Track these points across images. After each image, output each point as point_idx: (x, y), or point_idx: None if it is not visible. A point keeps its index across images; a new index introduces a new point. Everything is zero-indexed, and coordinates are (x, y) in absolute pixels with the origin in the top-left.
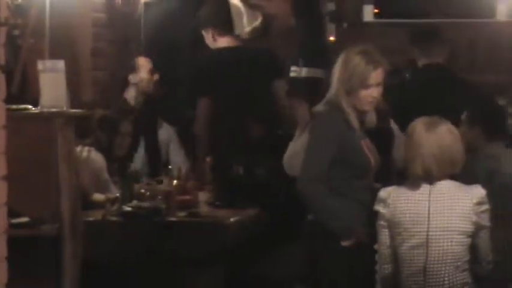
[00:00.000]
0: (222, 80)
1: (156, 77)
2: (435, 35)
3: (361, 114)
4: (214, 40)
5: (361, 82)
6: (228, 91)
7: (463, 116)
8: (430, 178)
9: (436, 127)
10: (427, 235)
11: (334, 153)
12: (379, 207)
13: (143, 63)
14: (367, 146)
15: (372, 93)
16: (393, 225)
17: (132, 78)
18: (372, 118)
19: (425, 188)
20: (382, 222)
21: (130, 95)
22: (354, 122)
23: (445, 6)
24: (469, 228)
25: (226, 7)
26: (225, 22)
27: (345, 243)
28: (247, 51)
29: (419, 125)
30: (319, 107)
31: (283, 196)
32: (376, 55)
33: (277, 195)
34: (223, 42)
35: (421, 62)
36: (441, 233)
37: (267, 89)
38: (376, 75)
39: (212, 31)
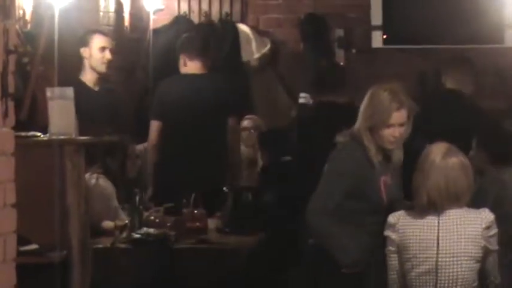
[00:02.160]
0: (171, 105)
1: (107, 55)
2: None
3: (387, 150)
4: (184, 65)
5: (383, 121)
6: (176, 117)
7: (473, 141)
8: (434, 208)
9: (447, 158)
10: (437, 261)
11: (348, 187)
12: (388, 233)
13: (96, 39)
14: (384, 183)
15: (393, 133)
16: (402, 251)
17: (83, 52)
18: (399, 155)
19: (434, 213)
20: (391, 248)
21: (86, 76)
22: (374, 157)
23: (453, 32)
24: (478, 252)
25: (203, 34)
26: (196, 48)
27: (346, 271)
28: (205, 80)
29: (432, 154)
30: (342, 138)
31: (292, 221)
32: (403, 95)
33: (286, 221)
34: (190, 68)
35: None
36: (450, 258)
37: (216, 121)
38: (399, 116)
39: (183, 56)
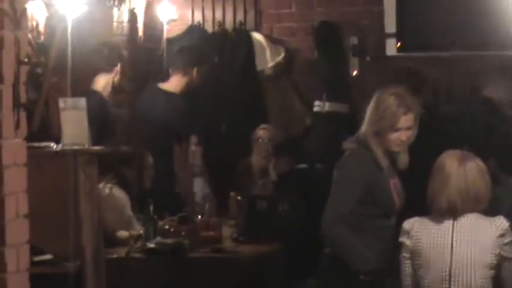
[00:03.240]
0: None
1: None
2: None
3: (392, 153)
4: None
5: (390, 125)
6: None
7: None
8: (454, 212)
9: (465, 162)
10: (450, 268)
11: (360, 193)
12: (402, 239)
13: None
14: (394, 186)
15: (400, 137)
16: (416, 257)
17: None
18: (404, 159)
19: (448, 220)
20: (405, 254)
21: (101, 87)
22: (382, 161)
23: (468, 38)
24: (493, 260)
25: (195, 49)
26: (178, 63)
27: (363, 278)
28: (169, 97)
29: (449, 159)
30: (349, 144)
31: (307, 230)
32: (409, 99)
33: (300, 230)
34: (170, 81)
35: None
36: (464, 266)
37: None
38: (406, 120)
39: (170, 70)
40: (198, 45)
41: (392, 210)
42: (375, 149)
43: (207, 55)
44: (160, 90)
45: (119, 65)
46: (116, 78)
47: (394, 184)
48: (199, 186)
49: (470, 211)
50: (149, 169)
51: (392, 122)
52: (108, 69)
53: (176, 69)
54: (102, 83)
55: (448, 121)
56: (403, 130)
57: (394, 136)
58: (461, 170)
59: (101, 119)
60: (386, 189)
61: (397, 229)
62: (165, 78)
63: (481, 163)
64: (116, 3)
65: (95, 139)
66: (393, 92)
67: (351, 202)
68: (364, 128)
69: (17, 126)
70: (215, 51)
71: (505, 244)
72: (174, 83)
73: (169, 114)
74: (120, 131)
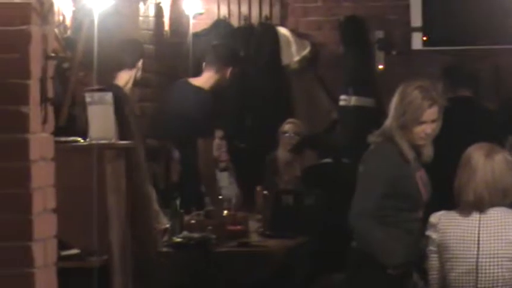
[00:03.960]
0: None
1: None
2: (460, 70)
3: (417, 147)
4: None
5: (415, 118)
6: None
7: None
8: (481, 206)
9: (493, 155)
10: (477, 261)
11: (387, 186)
12: (429, 232)
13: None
14: (421, 179)
15: (425, 130)
16: (443, 251)
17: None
18: (429, 151)
19: (475, 214)
20: (431, 248)
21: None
22: (408, 154)
23: (493, 32)
24: None
25: (227, 48)
26: (212, 59)
27: (391, 272)
28: (197, 92)
29: (477, 152)
30: (374, 138)
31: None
32: (433, 92)
33: (326, 224)
34: (201, 77)
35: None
36: (491, 259)
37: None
38: (431, 113)
39: (204, 65)
40: (232, 45)
41: (419, 202)
42: (400, 142)
43: (241, 56)
44: (190, 84)
45: (141, 61)
46: (138, 74)
47: (421, 177)
48: (225, 181)
49: (498, 204)
50: (176, 163)
51: (417, 115)
52: (131, 65)
53: (209, 66)
54: (125, 78)
55: (478, 113)
56: (428, 123)
57: (419, 129)
58: (488, 163)
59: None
60: (413, 182)
61: (425, 222)
62: (197, 73)
63: (508, 156)
64: None
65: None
66: (418, 85)
67: (378, 196)
68: (389, 121)
69: (45, 120)
70: (241, 45)
71: None
72: (204, 79)
73: (195, 108)
74: (146, 125)
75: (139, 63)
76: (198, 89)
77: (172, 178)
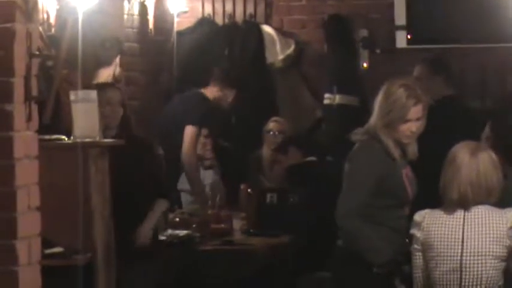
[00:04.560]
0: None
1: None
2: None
3: (402, 145)
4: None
5: (400, 117)
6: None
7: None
8: (465, 204)
9: (478, 153)
10: (461, 260)
11: (373, 185)
12: (413, 231)
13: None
14: (407, 176)
15: (410, 128)
16: (427, 249)
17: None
18: (413, 149)
19: (459, 212)
20: (416, 246)
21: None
22: (394, 152)
23: (478, 31)
24: (503, 252)
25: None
26: (219, 78)
27: (378, 271)
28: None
29: (462, 150)
30: (359, 136)
31: (316, 223)
32: (418, 90)
33: (310, 222)
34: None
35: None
36: (475, 257)
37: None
38: (416, 111)
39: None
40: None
41: (405, 200)
42: (385, 140)
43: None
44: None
45: (117, 58)
46: (117, 72)
47: (407, 174)
48: (209, 179)
49: (482, 203)
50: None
51: (402, 114)
52: (108, 62)
53: (215, 83)
54: (104, 76)
55: (462, 113)
56: (413, 121)
57: (404, 127)
58: (473, 161)
59: None
60: (399, 179)
61: (410, 220)
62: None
63: (493, 155)
64: None
65: None
66: (402, 84)
67: (364, 194)
68: (373, 120)
69: (29, 118)
70: (225, 44)
71: None
72: (209, 92)
73: (180, 108)
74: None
75: (117, 60)
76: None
77: None
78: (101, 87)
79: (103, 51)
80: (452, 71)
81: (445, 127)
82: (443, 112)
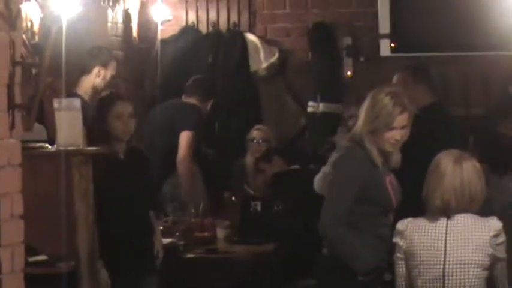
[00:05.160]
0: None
1: (110, 83)
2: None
3: (385, 152)
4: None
5: (386, 124)
6: None
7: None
8: (448, 211)
9: (461, 161)
10: (444, 268)
11: (357, 191)
12: (396, 239)
13: (113, 65)
14: (390, 183)
15: (395, 136)
16: (410, 258)
17: (98, 70)
18: (397, 158)
19: (442, 220)
20: (399, 255)
21: (82, 89)
22: (377, 159)
23: (461, 39)
24: (486, 260)
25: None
26: (190, 91)
27: (362, 278)
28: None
29: (445, 158)
30: (343, 142)
31: (300, 231)
32: (404, 98)
33: (294, 230)
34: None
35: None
36: (458, 266)
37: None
38: (402, 119)
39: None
40: (212, 79)
41: (389, 207)
42: (369, 147)
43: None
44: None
45: (96, 68)
46: (97, 81)
47: (390, 181)
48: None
49: (465, 211)
50: None
51: (388, 121)
52: (88, 71)
53: (190, 96)
54: (85, 85)
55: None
56: (398, 129)
57: (389, 135)
58: (456, 169)
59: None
60: (383, 186)
61: (394, 227)
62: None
63: (477, 163)
64: (111, 3)
65: None
66: (389, 92)
67: (348, 201)
68: (359, 126)
69: (12, 126)
70: (209, 52)
71: (498, 244)
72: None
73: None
74: None
75: (96, 69)
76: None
77: None
78: (109, 100)
79: (88, 59)
80: (433, 80)
81: (427, 136)
82: (425, 121)
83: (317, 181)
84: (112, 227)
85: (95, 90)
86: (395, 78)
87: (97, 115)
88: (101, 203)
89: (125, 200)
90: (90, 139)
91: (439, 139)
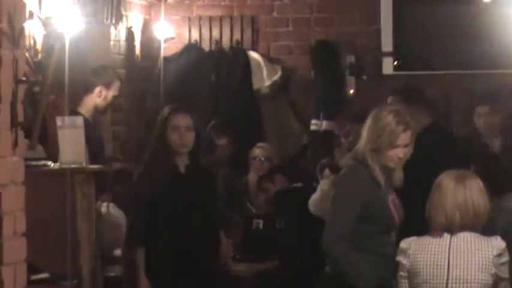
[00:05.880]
0: None
1: (114, 103)
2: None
3: (388, 171)
4: None
5: (389, 142)
6: None
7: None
8: (452, 228)
9: (464, 180)
10: (446, 286)
11: (359, 209)
12: (400, 258)
13: (116, 85)
14: (392, 202)
15: (398, 154)
16: (413, 276)
17: (99, 90)
18: (399, 176)
19: (445, 239)
20: (402, 273)
21: (84, 109)
22: (379, 178)
23: (464, 57)
24: (489, 280)
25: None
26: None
27: None
28: None
29: (447, 177)
30: (346, 161)
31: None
32: (407, 116)
33: (296, 248)
34: None
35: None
36: (460, 284)
37: None
38: (405, 137)
39: None
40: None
41: (392, 226)
42: (372, 165)
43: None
44: None
45: (98, 87)
46: (98, 101)
47: (392, 200)
48: None
49: (469, 227)
50: None
51: (392, 139)
52: (91, 90)
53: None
54: (88, 103)
55: (445, 141)
56: (401, 147)
57: (392, 153)
58: (459, 187)
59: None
60: (385, 205)
61: (397, 246)
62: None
63: (480, 182)
64: (114, 21)
65: None
66: (392, 110)
67: (351, 219)
68: (362, 144)
69: (15, 144)
70: (212, 70)
71: (502, 264)
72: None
73: None
74: (118, 148)
75: (98, 89)
76: None
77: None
78: (171, 112)
79: (91, 77)
80: (427, 99)
81: (428, 156)
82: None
83: (313, 202)
84: (165, 242)
85: (97, 110)
86: (388, 102)
87: (158, 128)
88: (157, 217)
89: (180, 216)
90: (151, 153)
91: (440, 158)
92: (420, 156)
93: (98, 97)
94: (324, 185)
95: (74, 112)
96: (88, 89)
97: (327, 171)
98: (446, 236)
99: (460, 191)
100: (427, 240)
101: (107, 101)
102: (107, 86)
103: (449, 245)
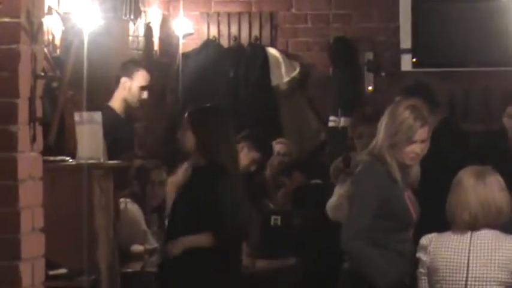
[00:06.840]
0: None
1: (144, 94)
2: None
3: (405, 167)
4: None
5: (407, 138)
6: None
7: None
8: (475, 225)
9: (484, 176)
10: (466, 285)
11: (377, 206)
12: (420, 254)
13: (141, 76)
14: (409, 198)
15: (415, 149)
16: (432, 273)
17: (124, 82)
18: (416, 172)
19: (466, 236)
20: (422, 270)
21: (115, 103)
22: (397, 174)
23: (483, 54)
24: (509, 278)
25: None
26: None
27: None
28: None
29: (468, 173)
30: (363, 157)
31: (321, 245)
32: (425, 111)
33: (314, 245)
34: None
35: None
36: (480, 283)
37: None
38: (422, 132)
39: None
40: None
41: (409, 222)
42: (389, 161)
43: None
44: None
45: (123, 79)
46: (125, 93)
47: (409, 197)
48: None
49: (492, 224)
50: (156, 186)
51: (409, 135)
52: (117, 83)
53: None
54: (117, 98)
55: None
56: (418, 143)
57: (409, 149)
58: (480, 183)
59: (112, 136)
60: (402, 201)
61: (414, 243)
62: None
63: (500, 178)
64: (132, 17)
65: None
66: (409, 105)
67: (369, 216)
68: (379, 141)
69: (33, 140)
70: (230, 66)
71: None
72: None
73: None
74: (136, 144)
75: (122, 80)
76: None
77: (148, 201)
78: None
79: (118, 71)
80: (436, 96)
81: (440, 153)
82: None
83: (331, 208)
84: None
85: (126, 103)
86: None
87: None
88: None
89: (182, 218)
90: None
91: (453, 155)
92: (431, 153)
93: (123, 90)
94: (340, 188)
95: (105, 106)
96: (116, 83)
97: (341, 175)
98: (467, 234)
99: (481, 188)
100: (448, 237)
101: (132, 92)
102: (130, 76)
103: (470, 242)
